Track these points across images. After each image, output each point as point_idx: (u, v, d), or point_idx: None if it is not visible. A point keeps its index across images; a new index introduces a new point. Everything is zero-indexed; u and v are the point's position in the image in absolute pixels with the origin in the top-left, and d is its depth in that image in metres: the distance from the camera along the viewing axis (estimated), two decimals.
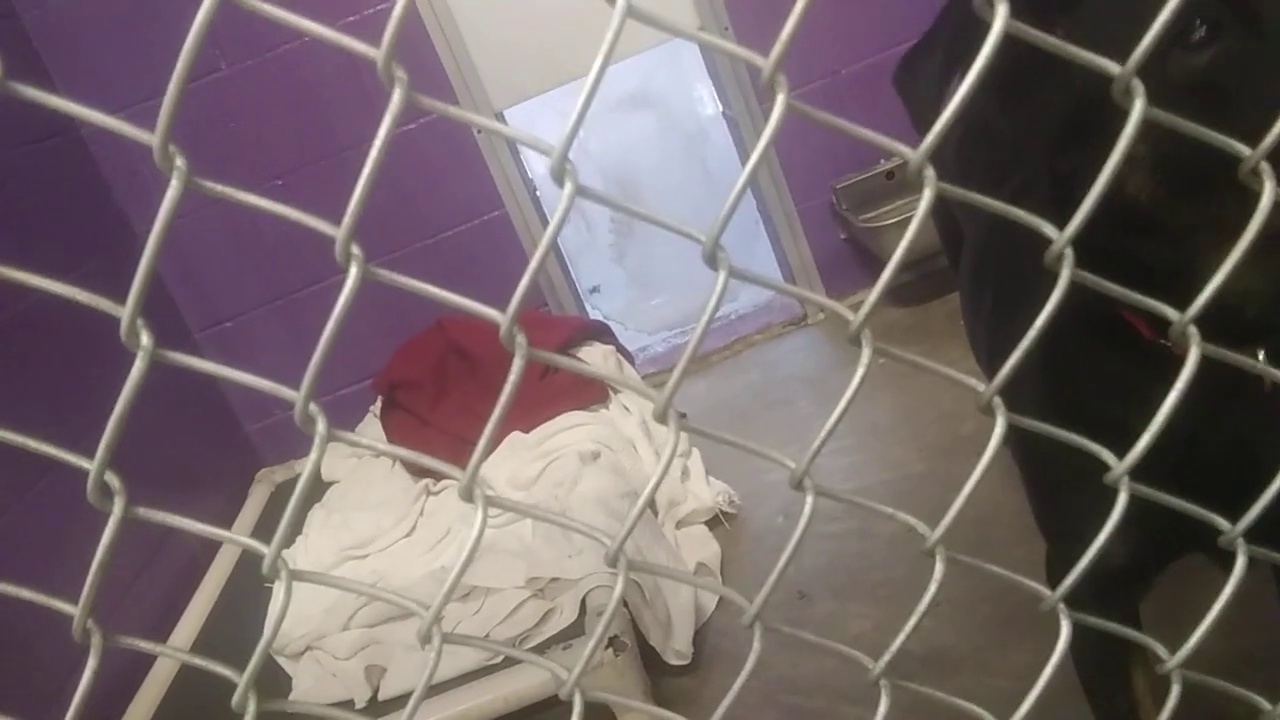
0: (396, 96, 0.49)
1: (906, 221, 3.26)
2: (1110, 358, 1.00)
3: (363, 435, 2.29)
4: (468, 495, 0.55)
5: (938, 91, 0.86)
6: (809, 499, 0.61)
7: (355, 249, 0.51)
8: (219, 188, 0.51)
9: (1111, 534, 1.14)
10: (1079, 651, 1.31)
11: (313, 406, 0.52)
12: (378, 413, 3.10)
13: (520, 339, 0.57)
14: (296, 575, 0.53)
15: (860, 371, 0.59)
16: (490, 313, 0.57)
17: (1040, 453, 1.22)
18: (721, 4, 3.23)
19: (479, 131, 3.22)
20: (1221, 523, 0.65)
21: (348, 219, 0.50)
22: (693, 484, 2.68)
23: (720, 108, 3.75)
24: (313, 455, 0.50)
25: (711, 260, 0.58)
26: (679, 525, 2.57)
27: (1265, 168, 0.58)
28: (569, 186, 0.54)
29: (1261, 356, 0.92)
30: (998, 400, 0.62)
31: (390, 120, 0.50)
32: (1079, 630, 1.35)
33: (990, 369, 1.42)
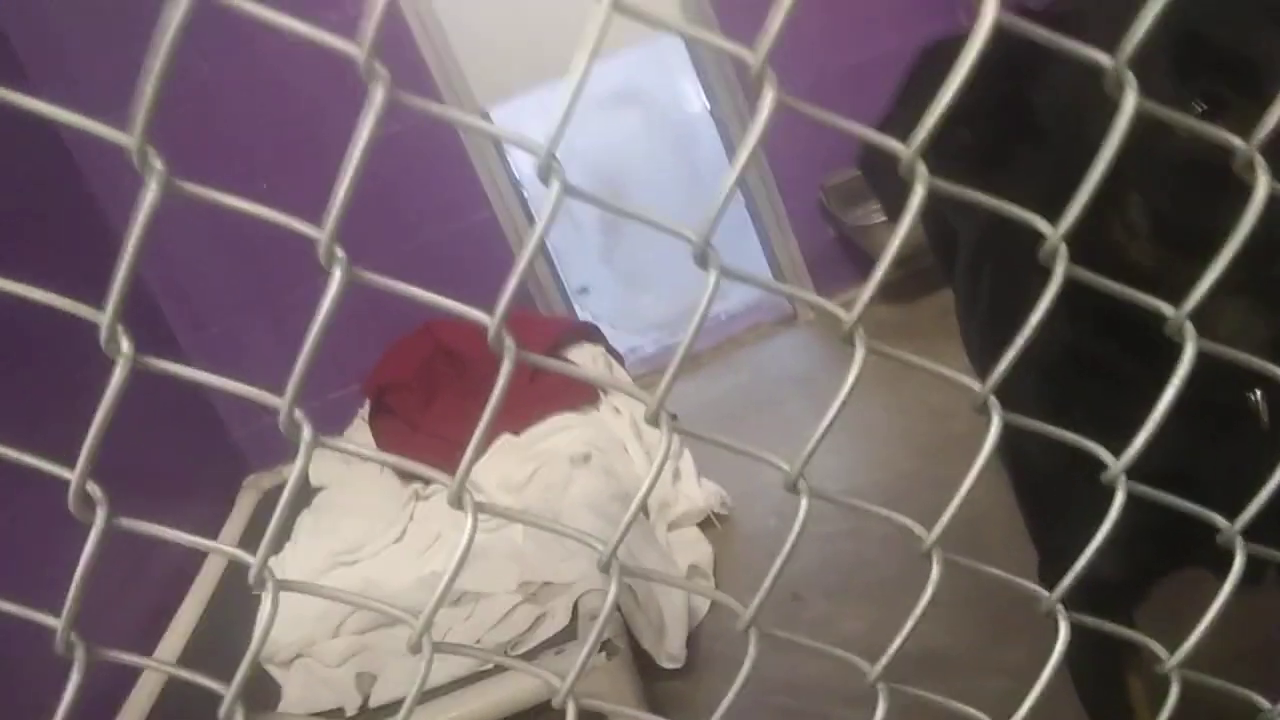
0: (378, 95, 0.48)
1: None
2: (1106, 392, 1.00)
3: (351, 440, 2.27)
4: (457, 501, 0.54)
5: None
6: (804, 502, 0.60)
7: (339, 251, 0.50)
8: (198, 190, 0.50)
9: (1105, 549, 1.14)
10: (1073, 659, 1.29)
11: (298, 413, 0.51)
12: (366, 417, 3.08)
13: (509, 342, 0.56)
14: (283, 585, 0.52)
15: (854, 371, 0.58)
16: (478, 315, 0.56)
17: (1032, 469, 1.22)
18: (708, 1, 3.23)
19: (464, 131, 3.21)
20: (1220, 520, 0.65)
21: (330, 220, 0.49)
22: (684, 485, 2.67)
23: (707, 105, 3.74)
24: (298, 462, 0.49)
25: (702, 260, 0.57)
26: (670, 527, 2.56)
27: (1259, 161, 0.58)
28: (556, 185, 0.53)
29: (1259, 395, 0.92)
30: (993, 399, 0.61)
31: (372, 119, 0.48)
32: (1073, 638, 1.34)
33: (983, 369, 1.41)
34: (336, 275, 0.49)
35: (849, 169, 3.38)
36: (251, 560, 0.53)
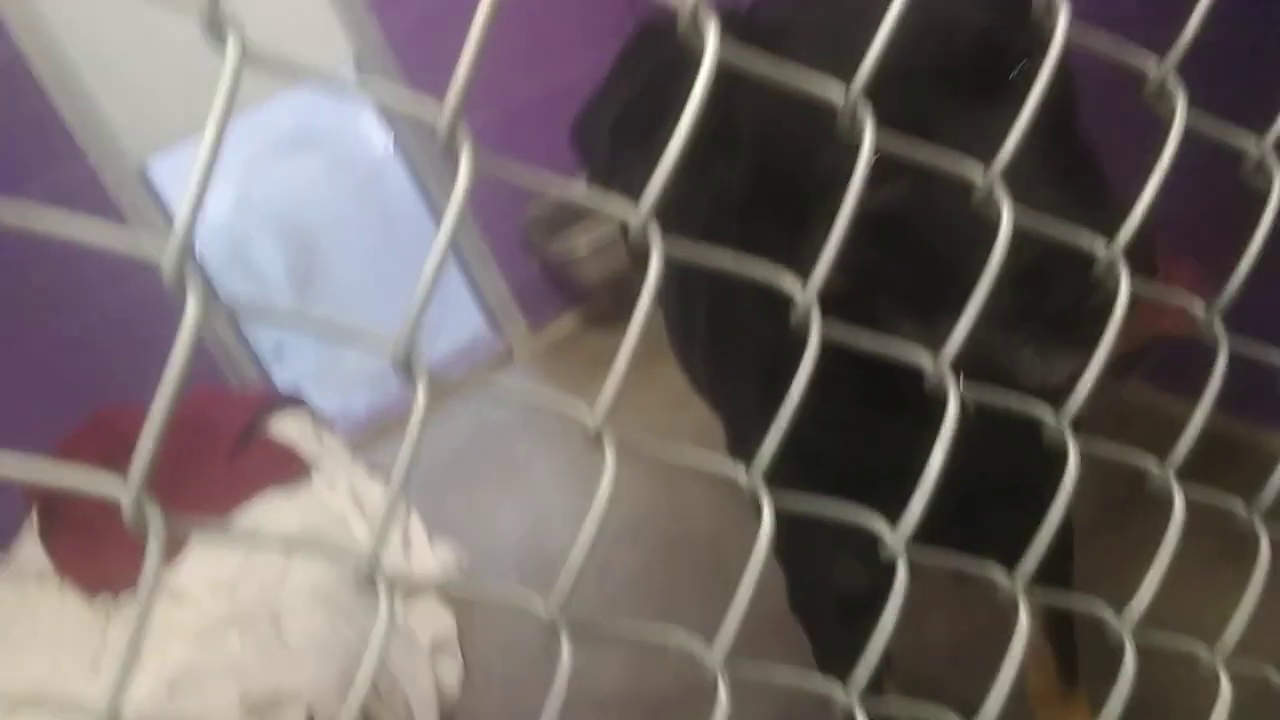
0: None
1: (601, 248, 3.23)
2: (836, 401, 0.97)
3: (18, 557, 1.90)
4: None
5: (611, 146, 0.84)
6: (566, 648, 0.50)
7: None
8: None
9: (849, 563, 1.12)
10: (828, 666, 1.31)
11: None
12: (34, 531, 2.66)
13: (156, 524, 0.42)
14: None
15: (607, 482, 0.49)
16: (109, 489, 0.42)
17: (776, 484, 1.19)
18: (375, 26, 3.05)
19: (117, 188, 2.86)
20: (1001, 578, 0.60)
21: None
22: (416, 553, 2.49)
23: (391, 144, 3.56)
24: None
25: (405, 368, 0.45)
26: (407, 599, 2.37)
27: (1002, 194, 0.54)
28: (192, 305, 0.40)
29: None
30: (761, 484, 0.54)
31: None
32: (829, 645, 1.31)
33: (714, 396, 1.39)
34: None
35: (550, 199, 3.33)
36: None
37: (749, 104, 0.80)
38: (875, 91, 0.69)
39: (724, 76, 0.73)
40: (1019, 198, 0.54)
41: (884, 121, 0.70)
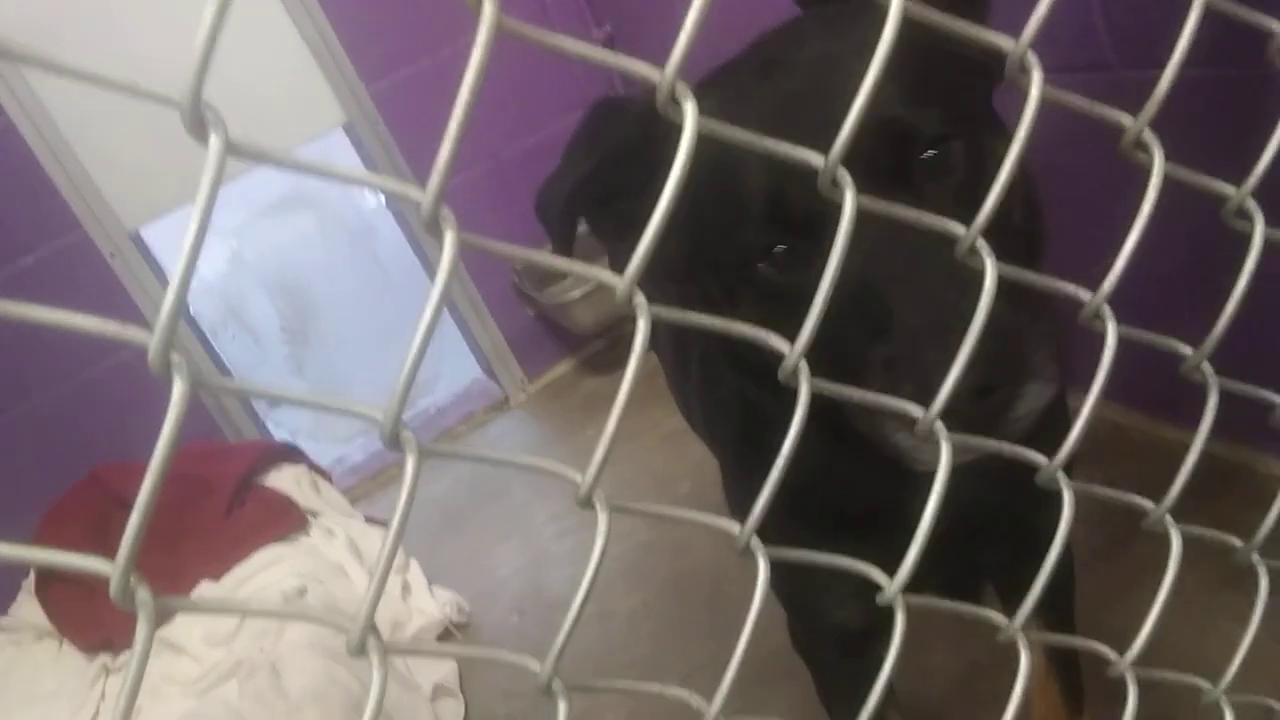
0: None
1: (592, 293, 3.23)
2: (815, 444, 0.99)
3: (17, 617, 1.91)
4: None
5: (566, 219, 0.89)
6: (563, 707, 0.50)
7: None
8: None
9: (844, 600, 1.13)
10: (831, 698, 1.31)
11: None
12: (32, 589, 2.65)
13: (144, 595, 0.42)
14: None
15: (600, 545, 0.49)
16: (96, 567, 0.42)
17: (770, 529, 1.21)
18: (366, 95, 3.09)
19: (112, 255, 2.87)
20: (998, 618, 0.61)
21: None
22: (415, 598, 2.48)
23: (381, 199, 3.58)
24: None
25: (393, 442, 0.46)
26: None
27: (982, 245, 0.54)
28: (179, 385, 0.40)
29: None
30: (756, 541, 0.54)
31: None
32: (830, 678, 1.31)
33: (709, 435, 1.40)
34: None
35: (539, 245, 3.34)
36: None
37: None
38: (781, 183, 0.72)
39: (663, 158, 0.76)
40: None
41: (790, 209, 0.73)
